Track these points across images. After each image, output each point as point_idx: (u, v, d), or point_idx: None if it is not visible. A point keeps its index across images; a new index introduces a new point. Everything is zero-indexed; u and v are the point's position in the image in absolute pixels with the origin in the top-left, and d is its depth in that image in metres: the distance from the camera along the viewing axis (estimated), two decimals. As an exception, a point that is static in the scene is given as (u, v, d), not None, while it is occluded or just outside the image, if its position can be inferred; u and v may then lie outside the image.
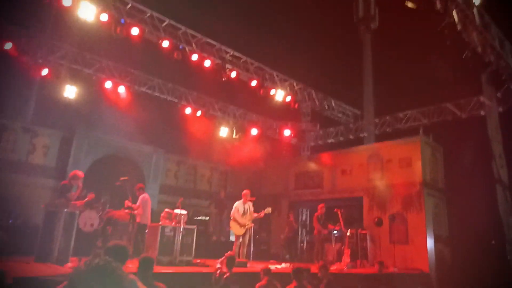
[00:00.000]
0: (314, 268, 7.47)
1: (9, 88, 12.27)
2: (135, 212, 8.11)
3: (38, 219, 8.49)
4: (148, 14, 10.42)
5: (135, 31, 10.04)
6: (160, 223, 7.50)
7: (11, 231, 8.59)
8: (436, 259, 11.08)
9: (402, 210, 11.67)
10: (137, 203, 8.25)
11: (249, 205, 8.84)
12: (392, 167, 12.44)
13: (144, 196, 8.45)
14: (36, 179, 12.01)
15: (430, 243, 11.05)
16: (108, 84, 11.73)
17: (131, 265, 4.97)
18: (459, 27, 9.57)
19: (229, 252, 5.81)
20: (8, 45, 9.67)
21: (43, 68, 10.68)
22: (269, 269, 5.86)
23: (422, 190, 11.47)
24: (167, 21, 10.77)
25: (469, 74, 12.33)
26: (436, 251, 11.21)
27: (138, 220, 8.15)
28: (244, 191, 8.96)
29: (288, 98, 13.81)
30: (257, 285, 5.51)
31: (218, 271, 5.47)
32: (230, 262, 5.56)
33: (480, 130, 14.08)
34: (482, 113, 12.40)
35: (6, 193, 10.81)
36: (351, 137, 15.56)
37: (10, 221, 9.71)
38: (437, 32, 9.64)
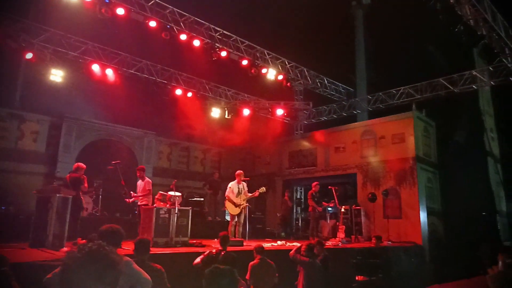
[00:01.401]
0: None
1: (-7, 73, 11.96)
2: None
3: (30, 205, 8.42)
4: (134, -7, 10.11)
5: (120, 11, 9.76)
6: (154, 205, 7.47)
7: (4, 218, 8.54)
8: (429, 232, 11.28)
9: (396, 185, 11.79)
10: (148, 188, 8.29)
11: (243, 185, 8.84)
12: (385, 143, 12.49)
13: (150, 180, 8.55)
14: (27, 166, 11.90)
15: (423, 216, 11.22)
16: (95, 67, 11.49)
17: (128, 248, 4.95)
18: (451, 0, 9.46)
19: (222, 232, 5.81)
20: (-10, 29, 9.34)
21: (27, 52, 10.39)
22: (262, 247, 5.86)
23: (415, 165, 11.55)
24: (153, 0, 10.46)
25: (462, 48, 12.29)
26: (429, 224, 11.41)
27: (142, 201, 8.19)
28: (238, 171, 8.94)
29: (280, 77, 13.67)
30: (250, 264, 5.53)
31: (215, 250, 5.48)
32: (224, 241, 5.57)
33: (472, 104, 14.17)
34: (475, 87, 12.42)
35: (-3, 181, 10.71)
36: (344, 114, 15.55)
37: (3, 208, 9.63)
38: (429, 6, 9.52)
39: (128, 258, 3.40)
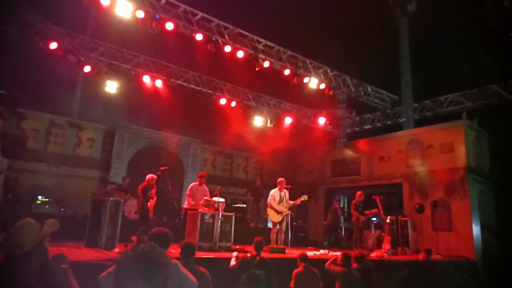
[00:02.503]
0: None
1: (56, 86, 13.02)
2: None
3: (86, 207, 9.04)
4: (182, 8, 10.61)
5: (169, 25, 10.28)
6: (199, 210, 7.73)
7: (63, 219, 9.23)
8: (482, 246, 10.64)
9: (445, 196, 11.27)
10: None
11: (285, 193, 8.90)
12: (433, 153, 12.01)
13: (193, 185, 8.97)
14: (83, 170, 12.76)
15: (476, 230, 10.61)
16: (146, 78, 12.14)
17: (174, 251, 5.19)
18: (506, 3, 9.00)
19: (257, 237, 5.86)
20: (54, 45, 10.21)
21: (86, 65, 11.20)
22: (306, 256, 5.87)
23: (466, 176, 10.99)
24: (200, 15, 10.92)
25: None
26: (483, 239, 10.76)
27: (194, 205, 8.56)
28: (279, 179, 9.02)
29: (322, 86, 13.62)
30: (294, 272, 5.56)
31: (249, 255, 5.57)
32: (259, 246, 5.63)
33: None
34: (532, 93, 11.64)
35: (57, 184, 11.59)
36: (388, 123, 15.13)
37: (62, 210, 10.39)
38: (481, 11, 9.13)
39: (175, 261, 3.57)
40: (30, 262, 2.22)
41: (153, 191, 8.48)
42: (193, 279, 3.42)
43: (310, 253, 8.48)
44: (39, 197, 10.19)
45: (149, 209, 8.36)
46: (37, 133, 12.26)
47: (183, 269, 3.42)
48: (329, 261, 6.06)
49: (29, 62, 11.08)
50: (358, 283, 5.70)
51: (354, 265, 6.05)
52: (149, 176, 8.54)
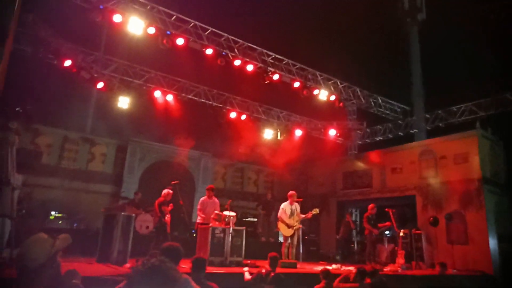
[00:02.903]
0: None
1: (70, 102, 13.30)
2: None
3: (98, 222, 9.10)
4: (192, 24, 10.82)
5: (180, 41, 10.48)
6: (210, 224, 7.71)
7: (75, 234, 9.29)
8: (500, 260, 10.33)
9: (460, 208, 11.03)
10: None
11: (296, 206, 8.82)
12: (447, 164, 11.81)
13: (203, 199, 8.92)
14: (95, 185, 12.90)
15: (493, 243, 10.33)
16: (157, 93, 12.31)
17: (185, 266, 5.17)
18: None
19: (272, 253, 5.81)
20: (68, 62, 10.47)
21: (99, 81, 11.43)
22: (328, 272, 5.79)
23: (481, 187, 10.76)
24: (210, 29, 11.10)
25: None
26: (501, 252, 10.46)
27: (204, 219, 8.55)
28: (290, 192, 8.95)
29: (332, 98, 13.62)
30: (315, 287, 5.50)
31: (264, 270, 5.52)
32: (273, 262, 5.57)
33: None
34: (547, 102, 11.43)
35: (69, 199, 11.72)
36: (400, 134, 15.00)
37: (75, 225, 10.47)
38: (492, 18, 9.08)
39: (186, 276, 3.56)
40: (43, 275, 2.25)
41: (170, 206, 8.51)
42: None
43: (321, 268, 8.37)
44: (52, 212, 10.30)
45: (167, 224, 8.38)
46: (51, 148, 12.48)
47: (194, 285, 3.41)
48: (337, 279, 5.96)
49: (43, 79, 11.37)
50: None
51: (368, 280, 5.93)
52: (165, 191, 8.56)
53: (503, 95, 11.97)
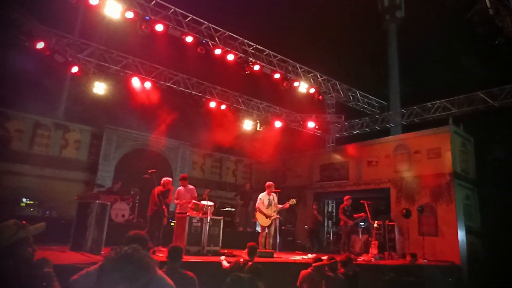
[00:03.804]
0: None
1: (42, 86, 12.82)
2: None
3: (72, 211, 8.87)
4: (172, 10, 10.58)
5: (159, 27, 10.24)
6: (187, 214, 7.66)
7: (47, 222, 9.03)
8: (468, 251, 10.78)
9: (431, 201, 11.40)
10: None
11: (274, 197, 8.88)
12: (420, 158, 12.15)
13: (193, 188, 8.77)
14: (69, 173, 12.56)
15: (461, 235, 10.76)
16: (135, 80, 12.03)
17: (161, 254, 5.13)
18: (491, 12, 9.19)
19: (250, 242, 5.84)
20: (40, 45, 10.06)
21: (73, 66, 11.06)
22: (320, 259, 5.89)
23: (452, 181, 11.15)
24: (190, 17, 10.90)
25: (503, 61, 11.85)
26: (468, 243, 10.91)
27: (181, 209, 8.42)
28: (268, 183, 9.00)
29: (312, 90, 13.72)
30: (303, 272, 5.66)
31: (242, 259, 5.55)
32: (252, 251, 5.60)
33: (514, 118, 13.55)
34: (516, 100, 11.89)
35: (42, 187, 11.38)
36: (377, 128, 15.30)
37: (47, 213, 10.18)
38: (467, 19, 9.30)
39: (161, 273, 3.52)
40: (6, 262, 2.18)
41: (170, 197, 8.42)
42: (171, 283, 3.38)
43: (297, 257, 8.50)
44: (23, 200, 9.97)
45: (165, 215, 8.26)
46: (22, 134, 12.04)
47: (160, 272, 3.38)
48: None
49: (14, 62, 10.88)
50: (343, 286, 5.72)
51: (341, 270, 6.06)
52: (164, 179, 8.43)
53: (475, 93, 12.38)
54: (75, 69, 11.09)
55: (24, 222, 2.48)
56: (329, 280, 5.70)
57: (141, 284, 1.57)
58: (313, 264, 5.75)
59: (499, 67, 12.70)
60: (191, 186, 8.80)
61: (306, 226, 13.10)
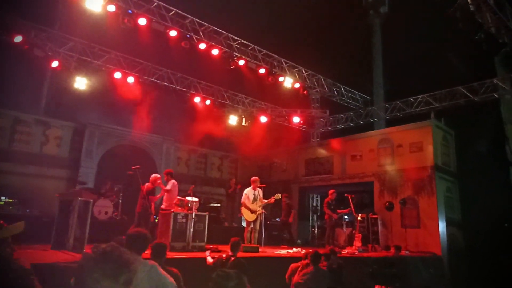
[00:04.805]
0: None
1: (21, 80, 12.44)
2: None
3: (53, 208, 8.71)
4: (155, 4, 10.41)
5: (142, 21, 10.08)
6: (172, 210, 7.62)
7: (28, 220, 8.84)
8: (448, 242, 11.07)
9: (414, 194, 11.64)
10: (168, 187, 8.38)
11: (259, 192, 8.90)
12: (402, 152, 12.37)
13: (174, 181, 8.59)
14: (50, 170, 12.28)
15: (442, 226, 11.03)
16: (117, 75, 11.83)
17: (147, 251, 5.07)
18: (472, 8, 9.37)
19: (233, 238, 5.84)
20: (18, 38, 9.79)
21: (53, 60, 10.81)
22: (317, 252, 5.94)
23: (433, 174, 11.39)
24: (174, 11, 10.75)
25: (483, 56, 12.10)
26: (449, 234, 11.19)
27: (165, 205, 8.31)
28: (253, 178, 9.01)
29: (297, 85, 13.76)
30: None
31: (225, 255, 5.54)
32: (235, 247, 5.60)
33: (493, 113, 13.89)
34: (496, 95, 12.17)
35: (22, 184, 11.10)
36: (361, 122, 15.46)
37: (27, 211, 9.97)
38: (449, 14, 9.46)
39: (153, 262, 3.50)
40: None
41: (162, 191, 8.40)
42: (172, 280, 3.38)
43: (283, 252, 8.56)
44: (2, 198, 9.72)
45: (152, 213, 8.17)
46: (1, 131, 11.71)
47: (161, 271, 3.38)
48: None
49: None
50: (326, 280, 5.76)
51: (325, 263, 6.14)
52: (153, 176, 8.33)
53: (456, 88, 12.62)
54: (55, 64, 10.84)
55: (1, 222, 2.43)
56: (311, 274, 5.74)
57: (123, 281, 1.56)
58: (308, 256, 5.80)
59: (479, 62, 12.97)
60: (173, 180, 8.71)
61: (277, 219, 13.00)
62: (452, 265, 10.80)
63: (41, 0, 10.63)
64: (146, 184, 8.24)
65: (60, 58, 11.07)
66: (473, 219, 12.05)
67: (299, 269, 5.90)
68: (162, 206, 8.50)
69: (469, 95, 12.36)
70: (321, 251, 6.29)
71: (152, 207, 8.24)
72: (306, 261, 5.87)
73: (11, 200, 9.78)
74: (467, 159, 12.94)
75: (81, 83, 11.41)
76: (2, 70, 11.67)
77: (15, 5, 10.28)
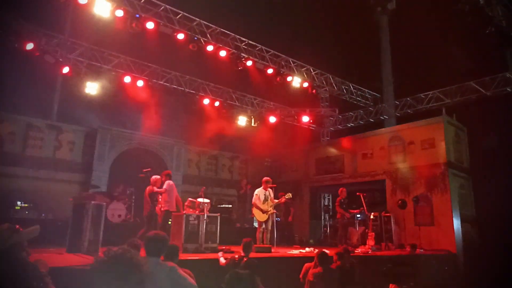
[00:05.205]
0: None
1: (33, 87, 12.67)
2: (160, 197, 8.38)
3: (67, 212, 8.83)
4: (162, 8, 10.48)
5: (150, 25, 10.15)
6: (184, 212, 7.66)
7: (43, 225, 8.97)
8: (463, 240, 10.89)
9: (427, 191, 11.50)
10: (163, 188, 8.43)
11: (270, 192, 8.90)
12: (414, 149, 12.23)
13: (169, 182, 8.62)
14: (64, 174, 12.47)
15: (456, 224, 10.86)
16: (127, 79, 11.94)
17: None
18: (481, 1, 9.23)
19: (245, 238, 5.83)
20: (30, 46, 9.93)
21: (64, 66, 10.95)
22: (324, 253, 5.89)
23: (446, 171, 11.24)
24: (181, 14, 10.81)
25: (493, 50, 11.91)
26: (463, 232, 11.02)
27: (163, 206, 8.35)
28: (264, 178, 9.01)
29: (305, 84, 13.70)
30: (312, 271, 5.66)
31: (237, 256, 5.55)
32: (247, 247, 5.60)
33: (506, 107, 13.65)
34: (508, 90, 11.96)
35: (36, 189, 11.28)
36: (371, 120, 15.34)
37: (43, 215, 10.13)
38: (458, 8, 9.34)
39: (173, 264, 3.53)
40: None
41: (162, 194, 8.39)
42: (192, 281, 3.42)
43: (295, 252, 8.54)
44: (18, 203, 9.90)
45: (157, 214, 8.22)
46: (14, 136, 11.93)
47: (181, 272, 3.42)
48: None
49: (4, 64, 10.74)
50: (335, 281, 5.69)
51: (338, 262, 6.10)
52: (152, 178, 8.39)
53: (467, 83, 12.44)
54: (66, 70, 10.97)
55: (17, 226, 2.47)
56: (320, 275, 5.68)
57: (134, 283, 1.59)
58: (335, 253, 5.79)
59: (490, 56, 12.77)
60: (168, 181, 8.74)
61: (277, 219, 12.92)
62: (467, 263, 10.63)
63: (50, 7, 10.77)
64: (148, 187, 8.29)
65: (71, 64, 11.22)
66: (488, 215, 11.86)
67: (311, 268, 5.88)
68: (162, 208, 8.55)
69: (481, 89, 12.17)
70: (334, 250, 6.25)
71: (157, 209, 8.26)
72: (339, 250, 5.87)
73: (26, 205, 9.96)
74: (480, 155, 12.75)
75: (91, 88, 11.55)
76: (14, 77, 11.90)
77: (26, 13, 10.45)
